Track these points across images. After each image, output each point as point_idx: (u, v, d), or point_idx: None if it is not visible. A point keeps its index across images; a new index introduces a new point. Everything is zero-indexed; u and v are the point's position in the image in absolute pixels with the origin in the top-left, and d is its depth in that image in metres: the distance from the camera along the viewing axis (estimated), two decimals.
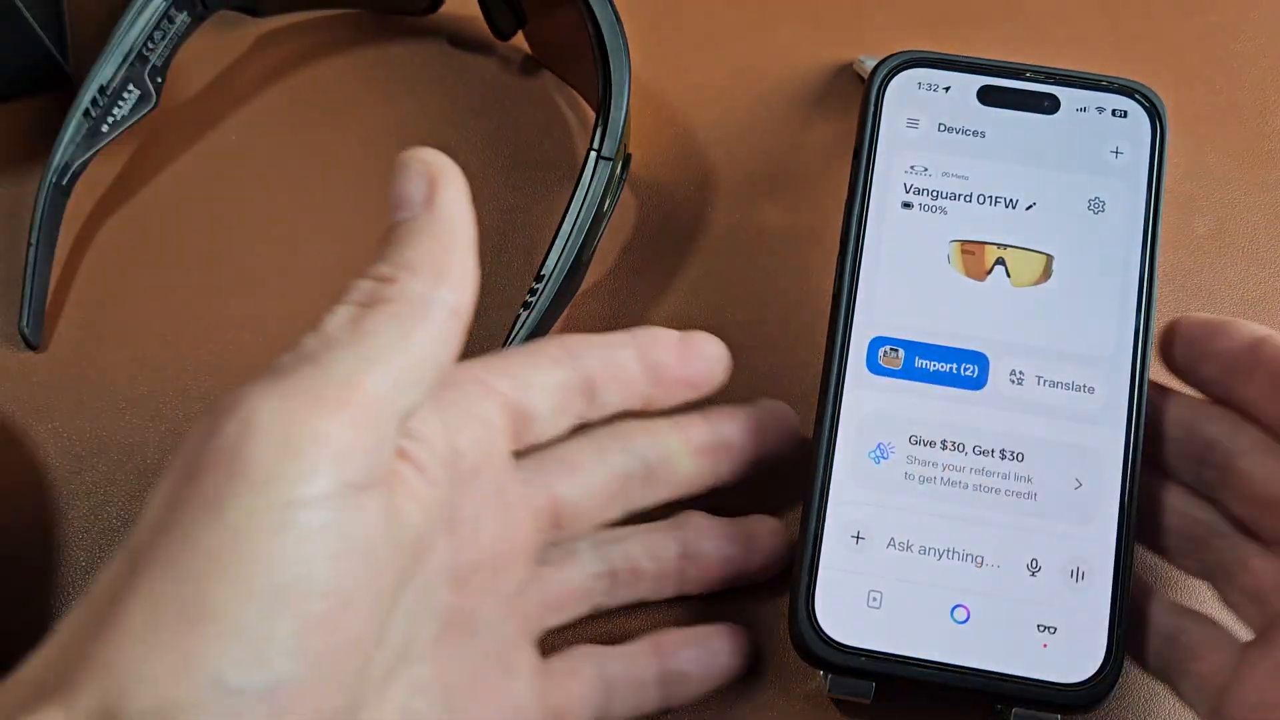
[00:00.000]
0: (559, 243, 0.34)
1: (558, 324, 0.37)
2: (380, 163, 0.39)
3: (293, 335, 0.36)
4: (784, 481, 0.34)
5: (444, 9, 0.41)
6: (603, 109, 0.35)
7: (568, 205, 0.34)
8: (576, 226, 0.34)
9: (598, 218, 0.34)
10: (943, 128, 0.34)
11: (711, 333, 0.36)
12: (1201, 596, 0.33)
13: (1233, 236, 0.38)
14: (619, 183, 0.35)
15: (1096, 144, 0.34)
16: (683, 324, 0.36)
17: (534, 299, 0.34)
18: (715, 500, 0.32)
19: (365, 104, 0.40)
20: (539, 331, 0.34)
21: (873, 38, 0.40)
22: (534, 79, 0.40)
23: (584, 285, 0.37)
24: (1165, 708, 0.32)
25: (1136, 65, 0.40)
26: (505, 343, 0.34)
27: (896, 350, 0.32)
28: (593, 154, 0.34)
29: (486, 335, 0.37)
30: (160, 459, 0.35)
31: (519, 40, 0.40)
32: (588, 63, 0.36)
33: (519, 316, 0.34)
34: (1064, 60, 0.40)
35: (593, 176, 0.34)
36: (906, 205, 0.33)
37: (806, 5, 0.41)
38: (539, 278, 0.34)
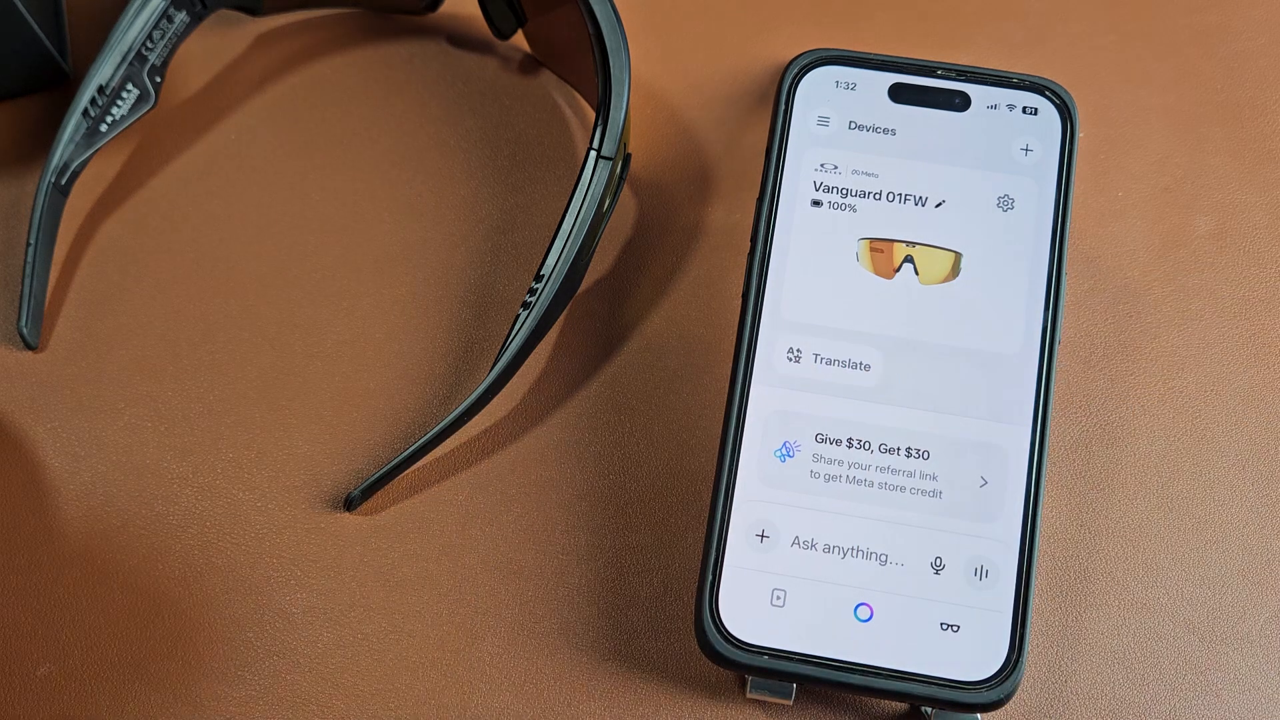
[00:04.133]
0: (559, 242, 0.34)
1: (558, 324, 0.37)
2: (379, 162, 0.39)
3: (291, 335, 0.37)
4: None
5: (444, 8, 0.41)
6: (602, 108, 0.35)
7: (567, 205, 0.34)
8: (576, 226, 0.34)
9: (598, 217, 0.34)
10: (853, 125, 0.34)
11: (710, 332, 0.36)
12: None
13: (1233, 236, 0.38)
14: (619, 182, 0.35)
15: (1007, 141, 0.34)
16: (682, 324, 0.37)
17: (534, 299, 0.34)
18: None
19: (365, 103, 0.40)
20: (538, 332, 0.34)
21: (873, 37, 0.40)
22: (534, 78, 0.40)
23: (584, 285, 0.37)
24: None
25: (1136, 65, 0.40)
26: (504, 343, 0.34)
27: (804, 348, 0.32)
28: (592, 153, 0.34)
29: (486, 336, 0.37)
30: (159, 459, 0.35)
31: (519, 40, 0.40)
32: (588, 62, 0.36)
33: (519, 316, 0.34)
34: (1064, 59, 0.40)
35: (593, 176, 0.34)
36: (816, 203, 0.33)
37: (807, 5, 0.41)
38: (539, 277, 0.34)
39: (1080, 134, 0.38)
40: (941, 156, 0.34)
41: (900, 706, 0.32)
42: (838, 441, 0.32)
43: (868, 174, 0.34)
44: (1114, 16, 0.41)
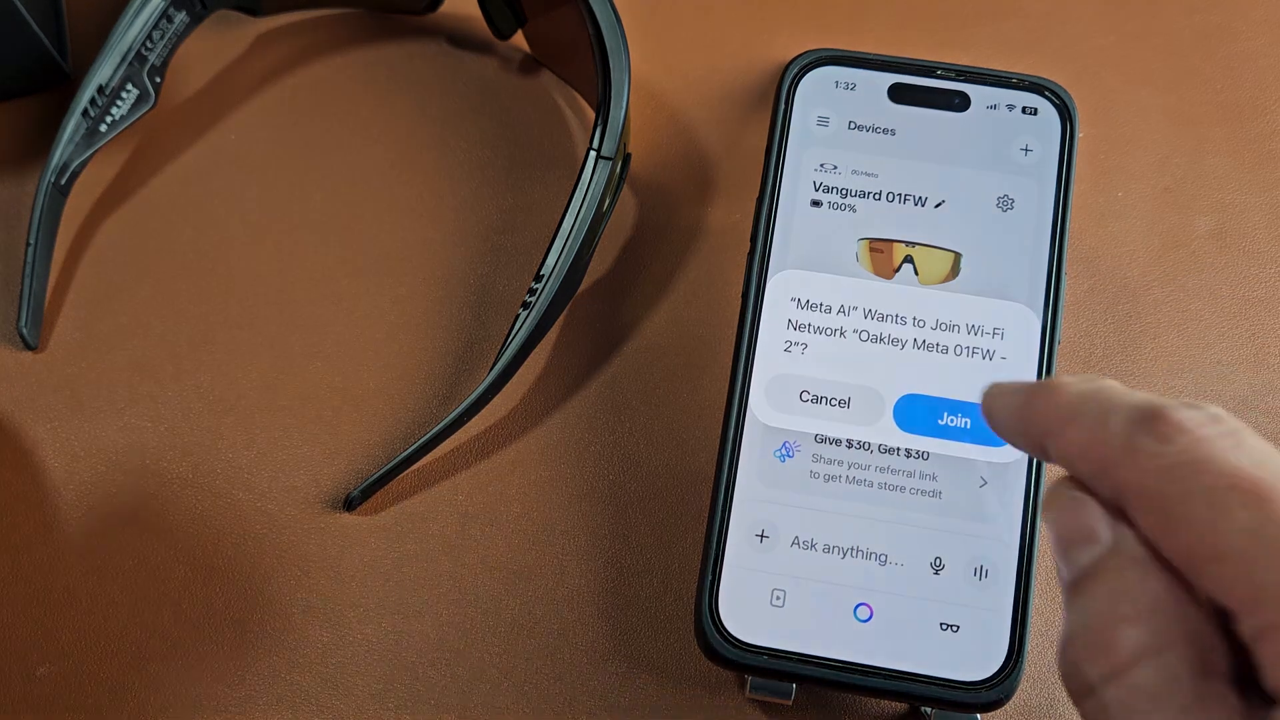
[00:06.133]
0: (559, 243, 0.34)
1: (558, 324, 0.37)
2: (379, 163, 0.39)
3: (291, 335, 0.37)
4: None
5: (444, 9, 0.41)
6: (602, 109, 0.35)
7: (567, 205, 0.34)
8: (576, 226, 0.34)
9: (598, 218, 0.34)
10: (853, 126, 0.34)
11: (710, 332, 0.36)
12: None
13: (1233, 236, 0.38)
14: (619, 182, 0.35)
15: (1006, 141, 0.34)
16: (682, 324, 0.37)
17: (534, 299, 0.34)
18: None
19: (365, 104, 0.40)
20: (538, 332, 0.34)
21: (873, 37, 0.40)
22: (534, 79, 0.40)
23: (584, 285, 0.37)
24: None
25: (1135, 65, 0.40)
26: (504, 343, 0.34)
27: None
28: (592, 154, 0.34)
29: (486, 336, 0.37)
30: (159, 459, 0.35)
31: (519, 40, 0.40)
32: (588, 62, 0.36)
33: (519, 317, 0.34)
34: (1064, 59, 0.40)
35: (592, 176, 0.34)
36: (816, 203, 0.33)
37: (807, 5, 0.41)
38: (539, 278, 0.34)
39: (1080, 134, 0.38)
40: (941, 157, 0.34)
41: (900, 706, 0.32)
42: (838, 442, 0.32)
43: (867, 174, 0.34)
44: (1114, 16, 0.41)
